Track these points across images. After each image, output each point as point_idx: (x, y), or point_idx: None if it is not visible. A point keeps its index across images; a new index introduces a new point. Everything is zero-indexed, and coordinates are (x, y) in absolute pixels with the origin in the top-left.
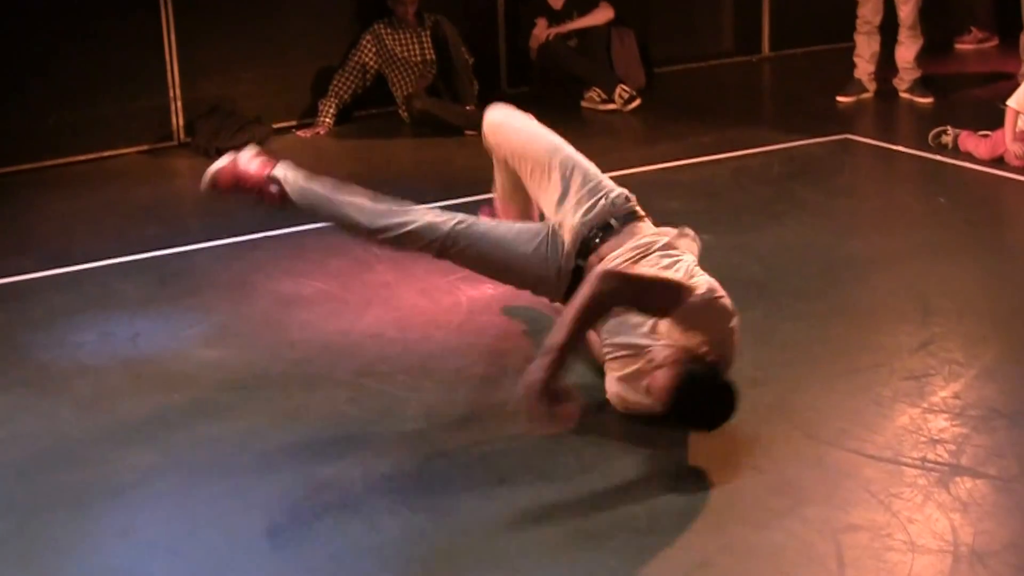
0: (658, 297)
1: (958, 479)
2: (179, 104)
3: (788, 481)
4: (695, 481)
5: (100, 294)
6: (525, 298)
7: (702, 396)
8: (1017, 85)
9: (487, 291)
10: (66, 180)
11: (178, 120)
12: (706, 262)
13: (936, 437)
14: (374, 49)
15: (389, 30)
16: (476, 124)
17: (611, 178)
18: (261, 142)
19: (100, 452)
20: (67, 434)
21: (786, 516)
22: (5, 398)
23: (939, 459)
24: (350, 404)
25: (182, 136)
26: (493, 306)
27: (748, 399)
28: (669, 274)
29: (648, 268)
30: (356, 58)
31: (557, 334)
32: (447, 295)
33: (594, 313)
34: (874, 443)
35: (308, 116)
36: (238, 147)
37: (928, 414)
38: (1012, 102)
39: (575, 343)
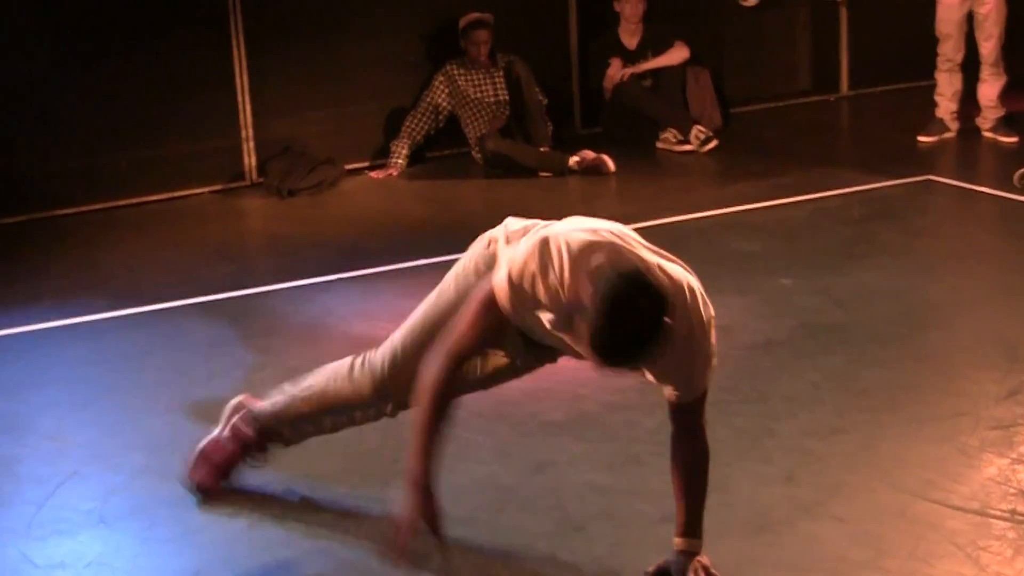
0: None
1: None
2: (251, 144)
3: (869, 532)
4: (775, 530)
5: (173, 334)
6: None
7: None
8: None
9: None
10: (139, 220)
11: (250, 160)
12: (785, 306)
13: None
14: (447, 90)
15: (462, 70)
16: (550, 165)
17: (687, 219)
18: (333, 183)
19: (173, 494)
20: (141, 474)
21: (867, 568)
22: (81, 438)
23: None
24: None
25: (254, 176)
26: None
27: (829, 447)
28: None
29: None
30: (428, 99)
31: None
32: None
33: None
34: (960, 494)
35: (380, 157)
36: (309, 188)
37: (1017, 464)
38: None
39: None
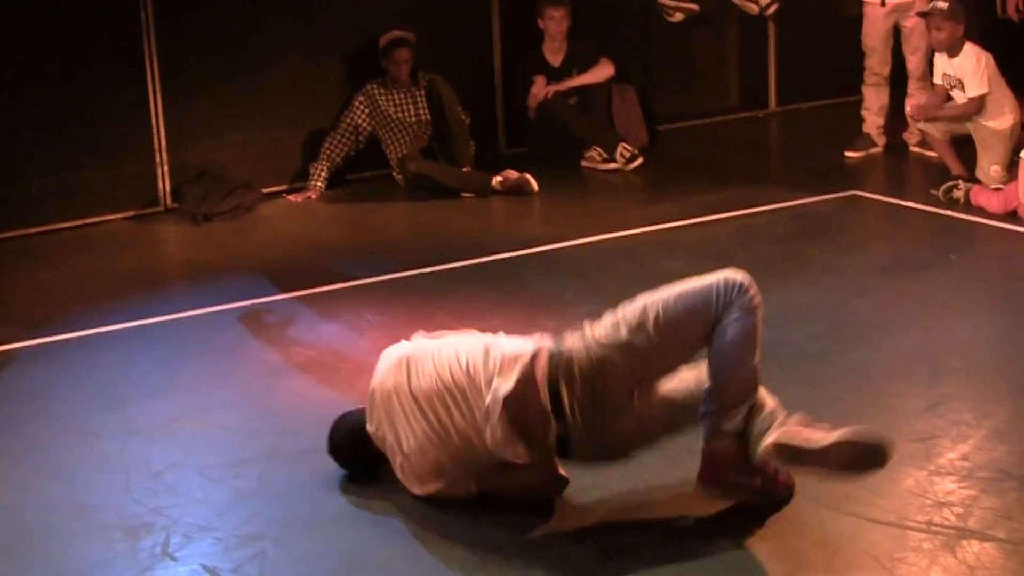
0: None
1: (965, 542)
2: (165, 169)
3: (789, 547)
4: (693, 547)
5: (85, 364)
6: None
7: None
8: None
9: None
10: (50, 248)
11: (164, 185)
12: None
13: (943, 500)
14: (367, 110)
15: (382, 90)
16: (473, 186)
17: (612, 238)
18: (250, 207)
19: (80, 526)
20: (48, 507)
21: None
22: None
23: (945, 522)
24: (340, 475)
25: (168, 202)
26: None
27: None
28: None
29: None
30: (348, 119)
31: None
32: None
33: None
34: (878, 507)
35: (299, 180)
36: (225, 213)
37: (934, 476)
38: None
39: None
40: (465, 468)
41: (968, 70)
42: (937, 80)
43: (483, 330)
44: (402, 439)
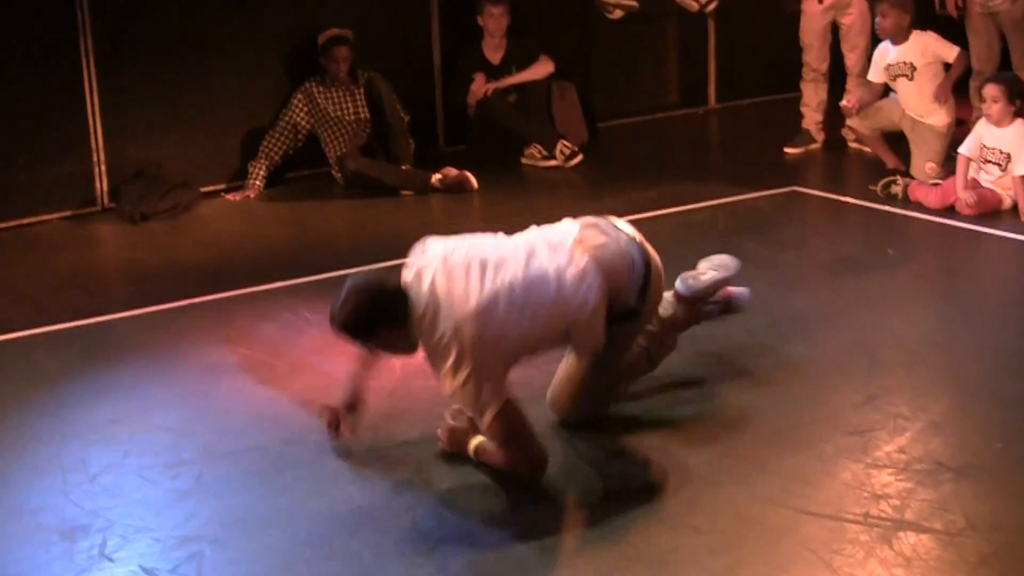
0: None
1: (901, 534)
2: (103, 168)
3: (727, 541)
4: (631, 541)
5: (21, 366)
6: None
7: None
8: (968, 132)
9: (419, 356)
10: None
11: (102, 185)
12: None
13: (879, 492)
14: (306, 108)
15: (321, 88)
16: (412, 184)
17: None
18: (188, 207)
19: (17, 528)
20: None
21: None
22: None
23: (882, 514)
24: (278, 474)
25: (106, 201)
26: (426, 371)
27: (688, 457)
28: None
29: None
30: (287, 117)
31: None
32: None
33: None
34: (815, 500)
35: (238, 179)
36: (163, 212)
37: (871, 469)
38: (963, 149)
39: None
40: (510, 339)
41: (927, 45)
42: (873, 76)
43: None
44: (471, 289)
